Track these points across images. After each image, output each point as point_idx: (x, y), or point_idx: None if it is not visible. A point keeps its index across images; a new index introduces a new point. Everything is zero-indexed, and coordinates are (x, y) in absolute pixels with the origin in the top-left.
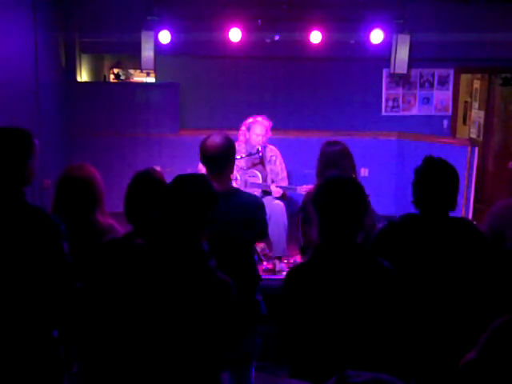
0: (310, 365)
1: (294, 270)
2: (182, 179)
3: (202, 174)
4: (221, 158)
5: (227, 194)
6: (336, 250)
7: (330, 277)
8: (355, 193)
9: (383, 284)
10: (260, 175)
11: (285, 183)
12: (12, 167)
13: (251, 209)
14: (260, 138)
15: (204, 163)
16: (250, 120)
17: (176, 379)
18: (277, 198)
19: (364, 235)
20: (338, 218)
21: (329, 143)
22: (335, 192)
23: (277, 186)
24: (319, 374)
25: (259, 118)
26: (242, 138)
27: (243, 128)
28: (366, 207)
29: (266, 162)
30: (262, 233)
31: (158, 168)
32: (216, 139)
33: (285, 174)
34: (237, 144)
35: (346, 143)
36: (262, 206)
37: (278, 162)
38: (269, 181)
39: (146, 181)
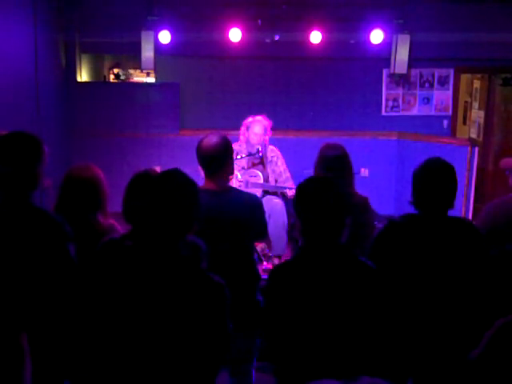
0: (293, 366)
1: (277, 269)
2: (163, 175)
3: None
4: (217, 158)
5: (224, 194)
6: (318, 249)
7: (312, 276)
8: (334, 193)
9: (366, 283)
10: (261, 175)
11: (290, 183)
12: (21, 173)
13: (248, 208)
14: (259, 136)
15: (201, 164)
16: (250, 119)
17: (169, 383)
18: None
19: (363, 235)
20: (318, 219)
21: (328, 147)
22: (314, 193)
23: (275, 186)
24: (303, 374)
25: (258, 117)
26: (242, 137)
27: (243, 128)
28: (346, 207)
29: (267, 162)
30: (261, 232)
31: (157, 168)
32: (212, 139)
33: (288, 173)
34: (237, 144)
35: (344, 146)
36: (259, 206)
37: (279, 163)
38: (271, 181)
39: (144, 181)
